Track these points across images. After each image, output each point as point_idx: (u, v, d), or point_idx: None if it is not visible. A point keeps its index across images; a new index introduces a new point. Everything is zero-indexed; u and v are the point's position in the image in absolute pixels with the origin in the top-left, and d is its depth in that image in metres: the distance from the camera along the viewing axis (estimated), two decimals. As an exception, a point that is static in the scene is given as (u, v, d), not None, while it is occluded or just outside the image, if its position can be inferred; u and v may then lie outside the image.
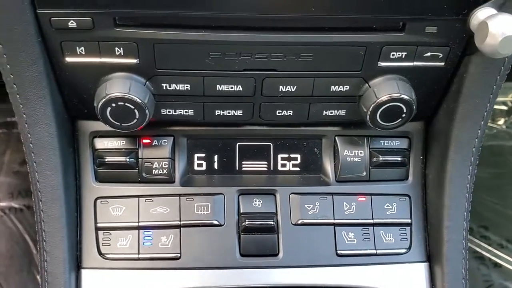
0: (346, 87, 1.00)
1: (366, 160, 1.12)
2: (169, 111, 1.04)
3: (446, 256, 1.09)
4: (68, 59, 0.94)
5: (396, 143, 1.14)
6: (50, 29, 0.89)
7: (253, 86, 0.99)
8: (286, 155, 1.15)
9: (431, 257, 1.14)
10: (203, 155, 1.13)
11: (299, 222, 1.09)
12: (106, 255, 1.07)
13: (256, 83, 0.99)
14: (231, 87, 0.99)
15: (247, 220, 1.07)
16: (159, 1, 0.86)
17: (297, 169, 1.15)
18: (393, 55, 0.95)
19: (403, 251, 1.12)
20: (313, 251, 1.09)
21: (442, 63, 0.98)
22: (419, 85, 1.00)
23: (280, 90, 1.00)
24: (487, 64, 0.98)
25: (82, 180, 1.09)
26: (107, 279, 1.07)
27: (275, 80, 0.99)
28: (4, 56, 0.91)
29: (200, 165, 1.13)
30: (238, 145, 1.14)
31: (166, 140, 1.10)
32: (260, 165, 1.14)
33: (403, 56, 0.96)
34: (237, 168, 1.14)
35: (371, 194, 1.12)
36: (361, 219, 1.11)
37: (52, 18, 0.88)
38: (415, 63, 0.97)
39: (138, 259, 1.07)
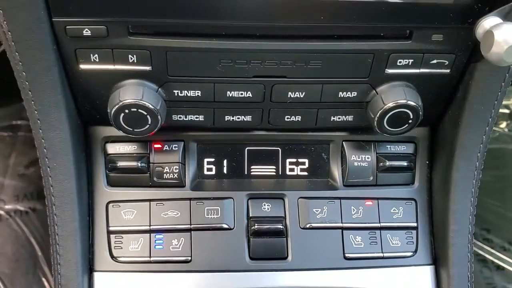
0: (354, 94, 1.02)
1: (373, 165, 1.13)
2: (180, 117, 1.05)
3: (452, 259, 1.10)
4: (82, 66, 0.95)
5: (402, 148, 1.15)
6: (65, 37, 0.91)
7: (263, 92, 1.01)
8: (294, 160, 1.16)
9: (437, 260, 1.15)
10: (212, 159, 1.14)
11: (308, 226, 1.10)
12: (118, 258, 1.08)
13: (265, 90, 1.00)
14: (241, 93, 1.01)
15: (256, 224, 1.08)
16: (171, 10, 0.87)
17: (305, 173, 1.16)
18: (400, 62, 0.97)
19: (409, 254, 1.13)
20: (321, 255, 1.10)
21: (448, 70, 0.99)
22: (425, 91, 1.02)
23: (289, 96, 1.02)
24: (492, 71, 1.00)
25: (94, 184, 1.10)
26: (119, 282, 1.08)
27: (284, 87, 1.00)
28: (20, 63, 0.93)
29: (209, 169, 1.14)
30: (247, 150, 1.15)
31: (176, 145, 1.11)
32: (268, 170, 1.16)
33: (410, 63, 0.97)
34: (246, 173, 1.15)
35: (378, 198, 1.13)
36: (368, 223, 1.12)
37: (67, 27, 0.89)
38: (422, 70, 0.98)
39: (150, 262, 1.07)
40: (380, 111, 0.99)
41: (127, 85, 0.97)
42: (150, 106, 0.95)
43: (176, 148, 1.11)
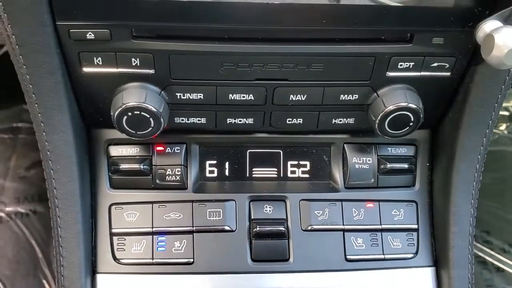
0: (355, 96, 1.02)
1: (374, 167, 1.14)
2: (182, 120, 1.06)
3: (452, 261, 1.11)
4: (86, 69, 0.96)
5: (403, 151, 1.16)
6: (69, 41, 0.91)
7: (264, 95, 1.01)
8: (296, 162, 1.16)
9: (438, 262, 1.15)
10: (214, 162, 1.15)
11: (309, 228, 1.11)
12: (121, 260, 1.09)
13: (267, 92, 1.01)
14: (243, 96, 1.01)
15: (258, 226, 1.09)
16: (174, 14, 0.88)
17: (307, 175, 1.17)
18: (401, 65, 0.98)
19: (410, 256, 1.14)
20: (323, 256, 1.10)
21: (449, 73, 1.00)
22: (426, 94, 1.02)
23: (290, 99, 1.02)
24: (492, 74, 1.00)
25: (97, 186, 1.11)
26: (122, 284, 1.08)
27: (286, 89, 1.01)
28: (24, 66, 0.93)
29: (211, 171, 1.15)
30: (249, 152, 1.15)
31: (179, 148, 1.11)
32: (270, 172, 1.16)
33: (411, 66, 0.98)
34: (247, 175, 1.15)
35: (379, 201, 1.14)
36: (370, 225, 1.12)
37: (70, 30, 0.90)
38: (422, 73, 0.99)
39: (152, 264, 1.08)
40: (381, 114, 0.99)
41: (130, 88, 0.97)
42: (153, 109, 0.95)
43: (179, 151, 1.11)
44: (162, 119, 0.97)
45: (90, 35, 0.90)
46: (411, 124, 1.01)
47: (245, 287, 1.09)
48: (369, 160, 1.14)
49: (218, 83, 0.99)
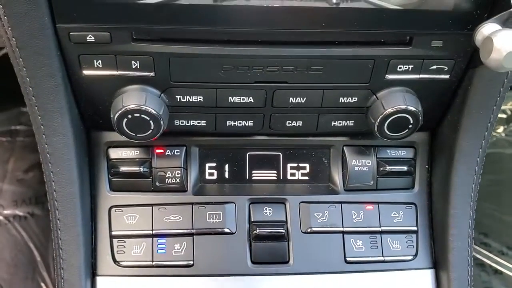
0: (355, 99, 1.03)
1: (374, 170, 1.14)
2: (182, 122, 1.06)
3: (452, 263, 1.11)
4: (86, 72, 0.96)
5: (402, 153, 1.16)
6: (69, 43, 0.92)
7: (264, 97, 1.02)
8: (295, 165, 1.17)
9: (437, 264, 1.15)
10: (214, 164, 1.15)
11: (309, 230, 1.11)
12: (121, 263, 1.09)
13: (267, 95, 1.01)
14: (243, 99, 1.01)
15: (258, 228, 1.09)
16: (174, 17, 0.88)
17: (306, 178, 1.17)
18: (400, 68, 0.98)
19: (409, 258, 1.14)
20: (323, 258, 1.10)
21: (447, 76, 1.00)
22: (425, 96, 1.03)
23: (290, 101, 1.02)
24: (491, 76, 1.00)
25: (97, 189, 1.11)
26: (122, 286, 1.08)
27: (285, 92, 1.01)
28: (24, 69, 0.93)
29: (211, 174, 1.15)
30: (248, 154, 1.15)
31: (178, 150, 1.11)
32: (270, 174, 1.16)
33: (410, 69, 0.98)
34: (247, 177, 1.16)
35: (378, 203, 1.14)
36: (369, 227, 1.13)
37: (71, 33, 0.90)
38: (421, 76, 0.99)
39: (152, 266, 1.08)
40: (380, 116, 1.00)
41: (130, 90, 0.97)
42: (153, 111, 0.95)
43: (178, 153, 1.11)
44: (162, 122, 0.97)
45: (90, 38, 0.90)
46: (410, 126, 1.01)
47: None
48: (368, 163, 1.14)
49: (217, 86, 0.99)
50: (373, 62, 0.97)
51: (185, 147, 1.12)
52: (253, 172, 1.16)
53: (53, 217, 1.05)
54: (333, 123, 1.08)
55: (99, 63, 0.94)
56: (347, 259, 1.11)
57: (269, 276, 1.09)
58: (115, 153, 1.11)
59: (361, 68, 0.98)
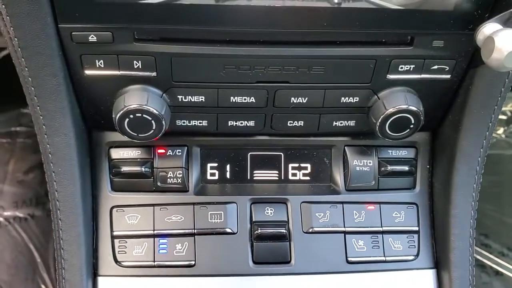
0: (356, 99, 1.03)
1: (375, 170, 1.14)
2: (183, 122, 1.06)
3: (453, 263, 1.11)
4: (88, 72, 0.96)
5: (403, 153, 1.16)
6: (71, 43, 0.92)
7: (266, 97, 1.02)
8: (297, 165, 1.17)
9: (439, 264, 1.15)
10: (216, 164, 1.15)
11: (310, 230, 1.11)
12: (122, 263, 1.09)
13: (268, 95, 1.01)
14: (244, 99, 1.02)
15: (259, 228, 1.09)
16: (176, 17, 0.88)
17: (308, 178, 1.17)
18: (401, 68, 0.98)
19: (411, 258, 1.14)
20: (324, 259, 1.10)
21: (449, 76, 1.01)
22: (426, 96, 1.03)
23: (291, 101, 1.03)
24: (492, 76, 1.01)
25: (99, 189, 1.11)
26: (123, 286, 1.08)
27: (287, 92, 1.01)
28: (26, 69, 0.93)
29: (213, 174, 1.15)
30: (250, 154, 1.16)
31: (180, 150, 1.11)
32: (271, 174, 1.16)
33: (411, 69, 0.98)
34: (249, 177, 1.16)
35: (379, 203, 1.14)
36: (371, 227, 1.13)
37: (73, 33, 0.90)
38: (423, 76, 1.00)
39: (154, 266, 1.08)
40: (382, 116, 1.00)
41: (131, 90, 0.97)
42: (155, 111, 0.96)
43: (180, 153, 1.11)
44: (163, 122, 0.97)
45: (92, 38, 0.90)
46: (411, 126, 1.02)
47: None
48: (369, 163, 1.14)
49: (219, 86, 0.99)
50: (374, 62, 0.97)
51: (186, 147, 1.12)
52: (254, 172, 1.16)
53: (54, 217, 1.05)
54: (334, 123, 1.08)
55: (101, 63, 0.94)
56: (349, 259, 1.11)
57: (270, 276, 1.09)
58: (117, 153, 1.11)
59: (362, 68, 0.98)
